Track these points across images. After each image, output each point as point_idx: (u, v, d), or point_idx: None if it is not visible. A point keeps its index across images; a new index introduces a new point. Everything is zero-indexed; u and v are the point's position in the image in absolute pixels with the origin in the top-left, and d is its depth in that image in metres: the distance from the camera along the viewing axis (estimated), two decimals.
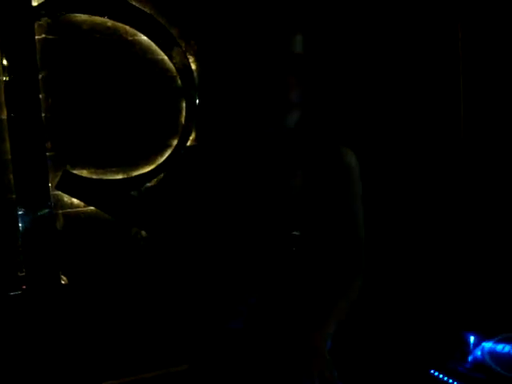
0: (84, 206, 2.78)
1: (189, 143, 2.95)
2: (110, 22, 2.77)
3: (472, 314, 2.57)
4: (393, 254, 3.05)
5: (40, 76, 2.62)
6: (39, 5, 2.60)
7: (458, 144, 3.27)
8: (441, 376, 2.23)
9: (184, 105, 2.96)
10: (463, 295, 2.73)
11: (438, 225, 3.10)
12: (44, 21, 2.64)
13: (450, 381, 2.19)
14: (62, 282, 2.70)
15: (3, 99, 2.56)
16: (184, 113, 2.96)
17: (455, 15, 3.26)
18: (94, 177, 2.79)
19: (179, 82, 2.94)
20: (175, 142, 2.94)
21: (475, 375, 2.22)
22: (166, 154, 2.92)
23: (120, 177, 2.84)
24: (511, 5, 2.95)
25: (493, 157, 3.01)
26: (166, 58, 2.91)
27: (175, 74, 2.94)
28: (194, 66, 2.95)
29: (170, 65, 2.92)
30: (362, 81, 3.26)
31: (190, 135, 2.96)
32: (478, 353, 2.38)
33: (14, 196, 2.60)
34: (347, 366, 2.32)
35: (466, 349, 2.37)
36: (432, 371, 2.27)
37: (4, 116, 2.57)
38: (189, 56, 2.94)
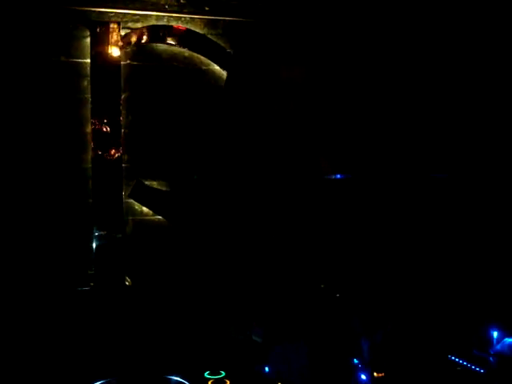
0: (152, 215, 3.02)
1: None
2: (187, 53, 3.09)
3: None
4: None
5: (122, 96, 2.97)
6: (126, 34, 2.96)
7: None
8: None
9: None
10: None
11: None
12: (129, 48, 3.00)
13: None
14: (126, 283, 2.93)
15: (89, 115, 2.92)
16: None
17: None
18: (164, 189, 3.04)
19: None
20: None
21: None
22: None
23: None
24: None
25: None
26: None
27: None
28: None
29: None
30: None
31: None
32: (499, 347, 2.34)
33: (90, 201, 2.90)
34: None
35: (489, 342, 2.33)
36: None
37: (89, 130, 2.92)
38: None
